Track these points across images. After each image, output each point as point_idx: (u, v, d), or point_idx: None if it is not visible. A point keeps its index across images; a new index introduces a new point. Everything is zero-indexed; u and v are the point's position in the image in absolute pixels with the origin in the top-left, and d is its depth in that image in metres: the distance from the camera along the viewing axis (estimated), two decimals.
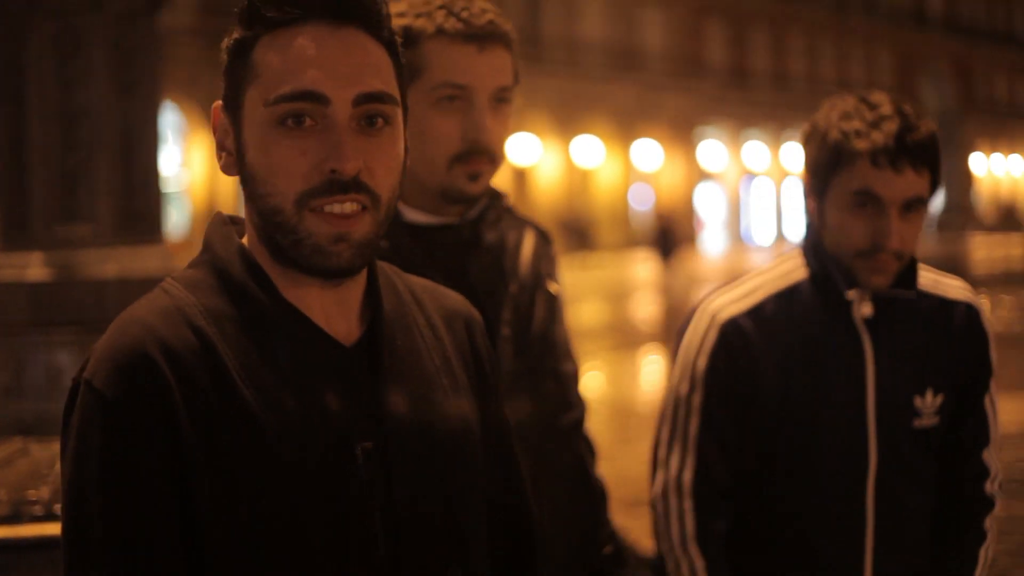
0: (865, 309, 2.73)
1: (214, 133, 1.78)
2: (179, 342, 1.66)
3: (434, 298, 1.92)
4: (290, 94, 1.66)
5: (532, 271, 2.69)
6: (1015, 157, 64.29)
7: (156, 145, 5.27)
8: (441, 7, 2.49)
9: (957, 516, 2.84)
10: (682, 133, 49.50)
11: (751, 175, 53.56)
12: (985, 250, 44.09)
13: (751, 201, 54.20)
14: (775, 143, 53.77)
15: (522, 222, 2.75)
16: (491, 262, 2.61)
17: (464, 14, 2.49)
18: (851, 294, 2.71)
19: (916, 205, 2.68)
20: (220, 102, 1.77)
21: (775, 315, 2.76)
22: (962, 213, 60.50)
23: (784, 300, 2.77)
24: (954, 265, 36.17)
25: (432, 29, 2.45)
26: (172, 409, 1.63)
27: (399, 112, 1.74)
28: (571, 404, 2.76)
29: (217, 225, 1.81)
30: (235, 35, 1.74)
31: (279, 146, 1.67)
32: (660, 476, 2.79)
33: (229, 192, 36.37)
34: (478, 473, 1.84)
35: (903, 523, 2.76)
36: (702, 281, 30.23)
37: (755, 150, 52.76)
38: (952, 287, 2.85)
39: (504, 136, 2.56)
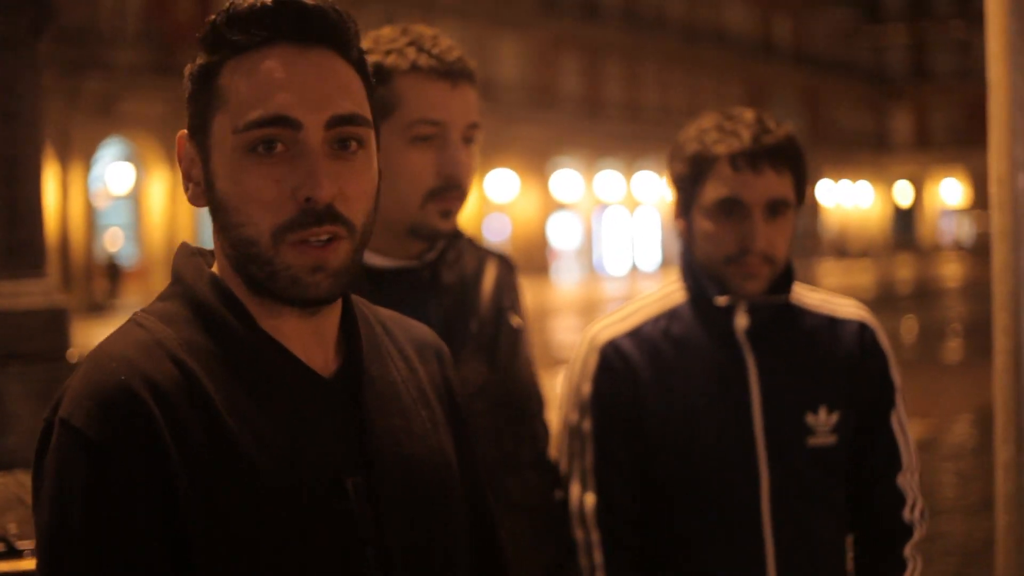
0: (741, 320, 2.71)
1: (179, 163, 1.71)
2: (162, 376, 1.58)
3: (403, 329, 1.89)
4: (260, 120, 1.61)
5: (493, 306, 2.67)
6: (862, 183, 65.67)
7: (39, 176, 5.11)
8: (410, 43, 2.48)
9: (874, 546, 2.79)
10: (537, 163, 49.72)
11: (605, 205, 53.96)
12: (834, 276, 44.99)
13: (604, 231, 54.58)
14: (628, 173, 54.27)
15: (484, 252, 2.74)
16: (452, 303, 2.60)
17: (435, 51, 2.49)
18: (721, 300, 2.70)
19: (781, 207, 2.69)
20: (185, 131, 1.70)
21: (654, 335, 2.75)
22: (811, 239, 61.67)
23: (663, 321, 2.77)
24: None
25: (406, 66, 2.43)
26: (161, 448, 1.55)
27: (372, 134, 1.69)
28: (534, 437, 2.73)
29: (185, 256, 1.74)
30: (199, 60, 1.68)
31: (250, 174, 1.61)
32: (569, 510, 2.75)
33: (187, 223, 35.77)
34: (459, 506, 1.81)
35: (807, 548, 2.71)
36: (554, 311, 30.32)
37: (609, 180, 53.18)
38: (843, 306, 2.85)
39: (472, 173, 2.55)
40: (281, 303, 1.65)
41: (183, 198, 38.35)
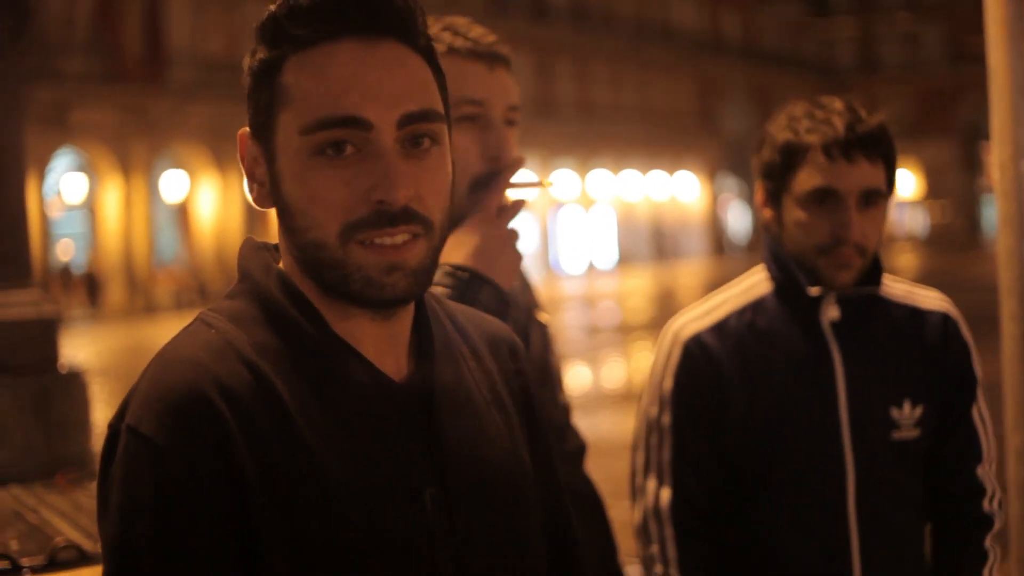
0: (831, 312, 2.68)
1: (242, 162, 1.63)
2: (234, 379, 1.51)
3: (475, 324, 1.80)
4: (328, 120, 1.53)
5: (524, 300, 2.63)
6: None
7: (22, 186, 5.03)
8: (445, 29, 2.43)
9: (955, 537, 2.76)
10: None
11: (560, 204, 54.02)
12: None
13: (560, 230, 54.65)
14: (583, 171, 54.35)
15: None
16: (496, 297, 2.53)
17: (471, 35, 2.44)
18: (814, 290, 2.66)
19: (874, 198, 2.66)
20: (247, 129, 1.62)
21: (739, 329, 2.72)
22: (757, 234, 61.91)
23: (748, 313, 2.74)
24: None
25: (443, 49, 2.36)
26: (234, 455, 1.48)
27: (445, 129, 1.61)
28: (574, 432, 2.71)
29: (252, 251, 1.66)
30: (259, 55, 1.59)
31: (318, 177, 1.53)
32: (639, 505, 2.72)
33: (142, 232, 35.45)
34: (536, 511, 1.73)
35: (891, 541, 2.69)
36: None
37: (564, 179, 53.22)
38: (926, 297, 2.82)
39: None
40: (355, 305, 1.58)
41: (137, 207, 37.76)
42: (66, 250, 36.36)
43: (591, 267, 54.86)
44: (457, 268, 2.25)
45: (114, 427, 1.52)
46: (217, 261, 37.11)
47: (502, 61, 2.46)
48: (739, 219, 63.54)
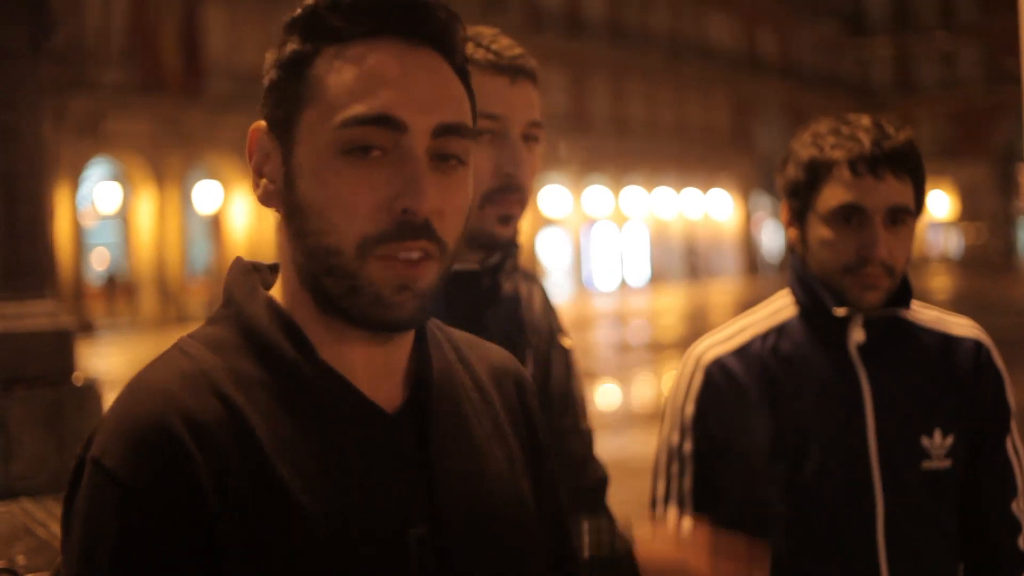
0: (858, 335, 2.58)
1: (249, 158, 1.54)
2: (205, 413, 1.42)
3: (480, 354, 1.71)
4: (362, 117, 1.44)
5: (546, 325, 2.55)
6: None
7: (40, 194, 4.98)
8: (468, 39, 2.35)
9: (989, 574, 2.64)
10: None
11: (593, 220, 53.96)
12: None
13: (593, 247, 54.58)
14: (616, 188, 54.28)
15: (527, 276, 2.59)
16: (509, 314, 2.45)
17: (494, 46, 2.36)
18: (840, 311, 2.56)
19: (902, 216, 2.56)
20: (262, 123, 1.53)
21: (763, 353, 2.62)
22: None
23: (773, 337, 2.64)
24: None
25: None
26: (200, 493, 1.39)
27: (472, 150, 1.53)
28: (595, 464, 2.61)
29: (239, 273, 1.58)
30: (290, 46, 1.51)
31: (342, 177, 1.44)
32: None
33: (175, 243, 35.55)
34: (538, 557, 1.63)
35: (922, 575, 2.57)
36: None
37: (597, 195, 53.18)
38: (957, 324, 2.71)
39: (534, 176, 2.40)
40: (355, 326, 1.48)
41: (171, 217, 37.96)
42: (100, 259, 36.49)
43: (623, 284, 54.73)
44: None
45: (80, 457, 1.44)
46: None
47: (525, 75, 2.38)
48: (773, 238, 63.30)
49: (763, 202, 62.00)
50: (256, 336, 1.50)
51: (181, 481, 1.38)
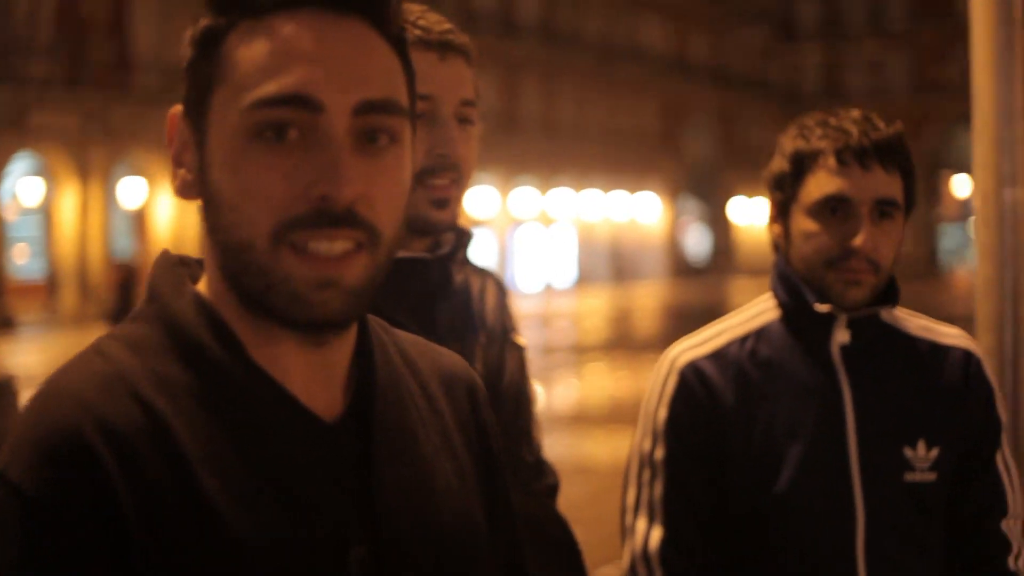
0: (841, 335, 2.46)
1: (169, 145, 1.42)
2: (122, 420, 1.30)
3: (429, 359, 1.58)
4: (272, 97, 1.32)
5: (499, 321, 2.42)
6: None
7: None
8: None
9: None
10: None
11: (519, 222, 53.82)
12: (749, 293, 45.10)
13: (519, 248, 54.44)
14: (544, 189, 54.18)
15: (480, 270, 2.47)
16: (460, 307, 2.33)
17: (421, 22, 2.23)
18: (822, 306, 2.44)
19: (889, 210, 2.46)
20: (179, 107, 1.42)
21: (740, 357, 2.49)
22: (725, 257, 62.03)
23: (751, 341, 2.51)
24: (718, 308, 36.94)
25: None
26: (115, 508, 1.27)
27: (407, 128, 1.40)
28: (547, 468, 2.50)
29: (164, 267, 1.45)
30: (203, 22, 1.39)
31: (254, 164, 1.32)
32: (627, 546, 2.48)
33: (97, 237, 34.88)
34: (486, 574, 1.52)
35: None
36: None
37: (525, 196, 53.06)
38: (946, 333, 2.60)
39: (472, 159, 2.27)
40: (281, 326, 1.36)
41: (94, 213, 37.49)
42: (21, 254, 35.89)
43: (548, 286, 54.63)
44: None
45: None
46: None
47: (456, 51, 2.25)
48: (699, 242, 63.49)
49: (690, 205, 62.19)
50: (181, 335, 1.37)
51: (93, 494, 1.26)
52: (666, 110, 60.27)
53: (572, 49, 55.13)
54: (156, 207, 37.31)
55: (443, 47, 2.23)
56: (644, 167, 58.96)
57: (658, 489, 2.46)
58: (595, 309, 40.59)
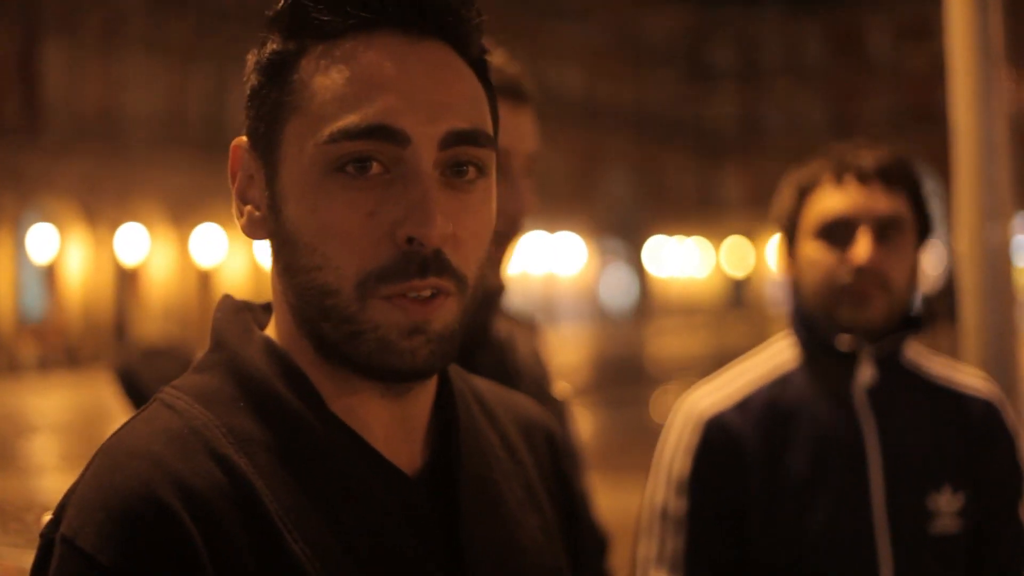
0: (866, 373, 2.36)
1: (232, 180, 1.32)
2: (201, 480, 1.20)
3: (506, 406, 1.50)
4: (354, 129, 1.21)
5: (535, 373, 2.27)
6: (694, 241, 66.48)
7: None
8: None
9: None
10: None
11: None
12: (671, 335, 45.27)
13: None
14: None
15: (516, 317, 2.35)
16: (497, 363, 2.16)
17: (492, 62, 2.07)
18: (843, 340, 2.35)
19: (894, 227, 2.37)
20: (243, 139, 1.31)
21: (763, 406, 2.40)
22: (647, 298, 62.24)
23: (775, 387, 2.42)
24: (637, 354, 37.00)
25: None
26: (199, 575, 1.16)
27: (494, 159, 1.30)
28: (597, 526, 2.38)
29: (229, 312, 1.35)
30: (270, 46, 1.28)
31: (334, 201, 1.22)
32: None
33: (7, 289, 34.04)
34: None
35: None
36: None
37: None
38: (967, 377, 2.51)
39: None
40: (361, 376, 1.26)
41: (3, 263, 36.71)
42: None
43: None
44: None
45: (47, 536, 1.21)
46: (85, 322, 35.95)
47: (528, 99, 2.10)
48: (620, 283, 63.64)
49: (612, 245, 62.38)
50: (255, 386, 1.28)
51: (175, 562, 1.16)
52: (581, 155, 60.49)
53: None
54: (68, 258, 36.60)
55: (516, 94, 2.08)
56: (563, 209, 59.12)
57: (678, 543, 2.38)
58: None
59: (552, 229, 58.86)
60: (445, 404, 1.37)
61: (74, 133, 35.79)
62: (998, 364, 3.61)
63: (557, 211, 58.78)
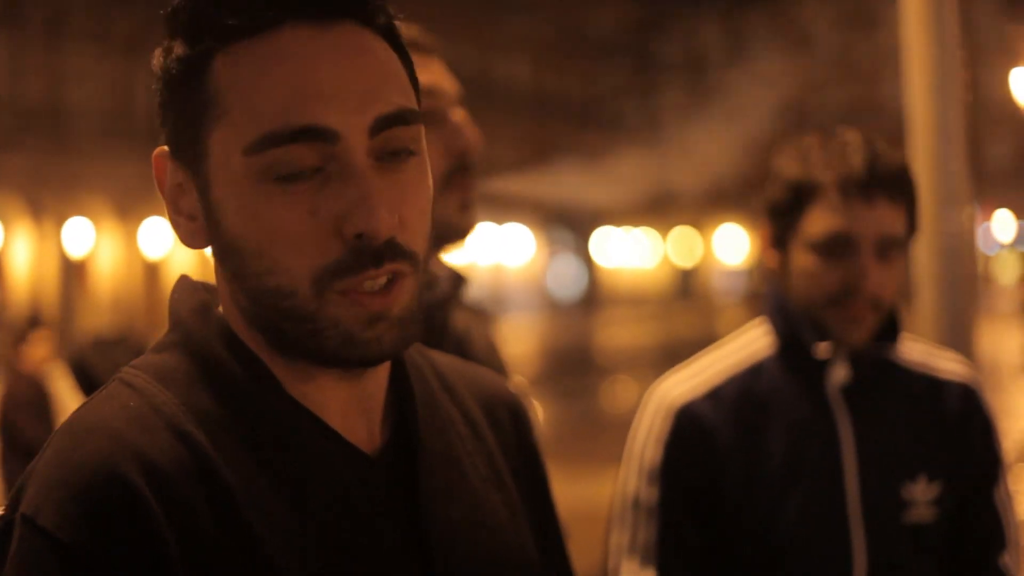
0: (840, 373, 2.36)
1: (160, 190, 1.31)
2: (162, 455, 1.20)
3: (468, 381, 1.49)
4: (281, 134, 1.20)
5: (490, 365, 2.25)
6: (642, 232, 66.67)
7: None
8: None
9: None
10: None
11: None
12: (618, 326, 45.37)
13: None
14: None
15: (471, 309, 2.33)
16: (456, 353, 2.14)
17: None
18: (822, 348, 2.34)
19: (893, 246, 2.34)
20: (164, 149, 1.30)
21: (735, 395, 2.39)
22: (595, 287, 62.34)
23: (747, 377, 2.41)
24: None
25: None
26: (161, 552, 1.16)
27: (422, 131, 1.29)
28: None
29: (185, 292, 1.35)
30: (176, 52, 1.26)
31: (274, 206, 1.21)
32: None
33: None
34: None
35: None
36: None
37: None
38: (946, 364, 2.51)
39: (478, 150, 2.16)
40: (321, 365, 1.27)
41: None
42: None
43: None
44: None
45: (6, 518, 1.20)
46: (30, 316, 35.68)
47: (433, 50, 2.14)
48: (568, 274, 63.75)
49: (559, 236, 62.48)
50: (212, 365, 1.28)
51: (137, 538, 1.16)
52: (530, 144, 60.51)
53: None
54: (12, 251, 36.24)
55: (420, 47, 2.08)
56: (510, 200, 59.17)
57: (650, 533, 2.37)
58: None
59: (500, 220, 58.93)
60: (401, 380, 1.37)
61: (18, 127, 35.42)
62: (954, 350, 3.65)
63: (505, 202, 58.85)
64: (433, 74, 2.10)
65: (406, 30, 2.05)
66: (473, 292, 2.25)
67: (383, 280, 1.23)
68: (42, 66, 36.45)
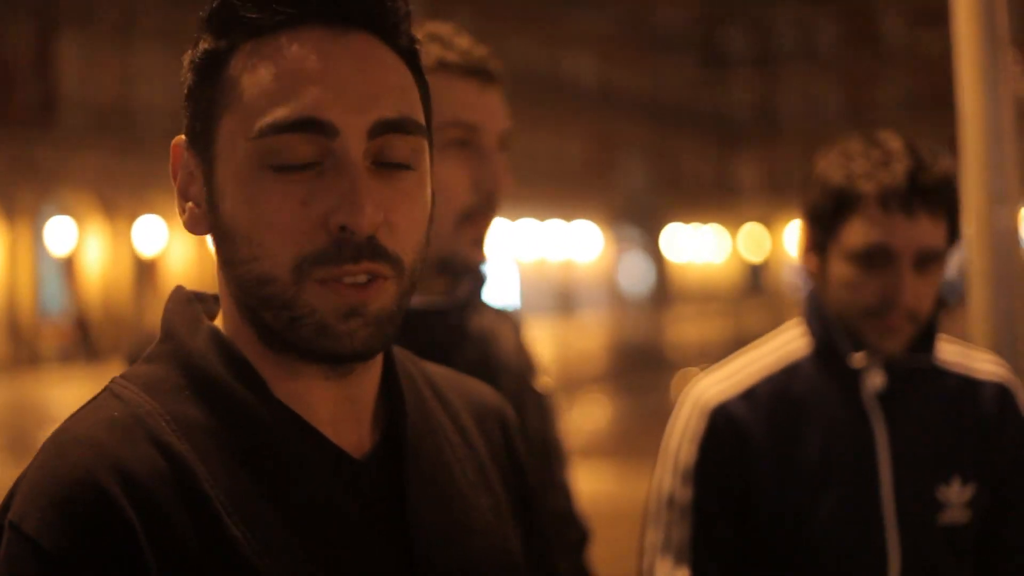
0: (876, 380, 2.35)
1: (173, 178, 1.35)
2: (142, 466, 1.24)
3: (459, 390, 1.53)
4: (283, 123, 1.26)
5: (517, 366, 2.28)
6: (710, 228, 66.36)
7: None
8: (431, 38, 2.08)
9: None
10: None
11: None
12: (687, 322, 45.22)
13: None
14: None
15: (495, 311, 2.33)
16: (478, 357, 2.18)
17: (457, 45, 2.12)
18: (857, 358, 2.34)
19: (932, 259, 2.33)
20: (182, 137, 1.35)
21: (770, 396, 2.39)
22: (663, 285, 62.17)
23: (783, 377, 2.40)
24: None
25: (431, 63, 1.97)
26: (137, 560, 1.20)
27: (426, 146, 1.34)
28: (577, 519, 2.38)
29: (178, 304, 1.38)
30: (202, 45, 1.32)
31: (268, 194, 1.26)
32: None
33: (27, 282, 34.10)
34: None
35: None
36: None
37: None
38: (982, 364, 2.49)
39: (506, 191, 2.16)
40: (304, 360, 1.30)
41: (22, 256, 36.51)
42: None
43: None
44: None
45: None
46: (105, 314, 36.03)
47: (496, 78, 2.14)
48: (637, 270, 63.61)
49: (628, 233, 62.33)
50: (199, 373, 1.31)
51: (114, 546, 1.20)
52: (598, 140, 60.39)
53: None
54: (86, 250, 36.67)
55: (484, 75, 2.13)
56: (579, 197, 59.08)
57: (684, 532, 2.37)
58: (537, 340, 40.45)
59: (569, 217, 58.86)
60: (391, 386, 1.40)
61: (91, 126, 35.86)
62: (1006, 348, 3.62)
63: (573, 199, 58.76)
64: (487, 108, 2.12)
65: (475, 55, 2.10)
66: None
67: (362, 278, 1.26)
68: (114, 66, 36.83)
